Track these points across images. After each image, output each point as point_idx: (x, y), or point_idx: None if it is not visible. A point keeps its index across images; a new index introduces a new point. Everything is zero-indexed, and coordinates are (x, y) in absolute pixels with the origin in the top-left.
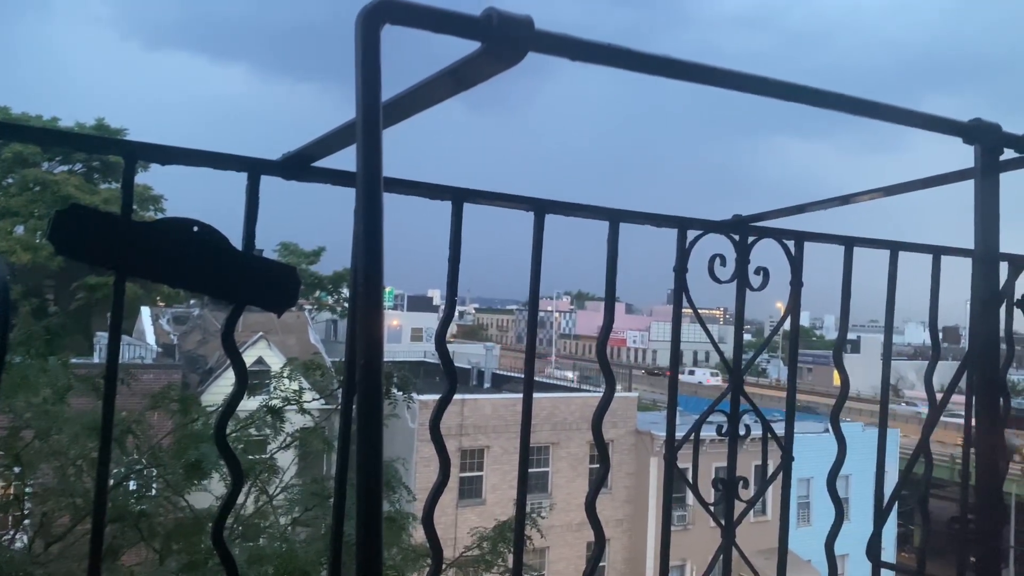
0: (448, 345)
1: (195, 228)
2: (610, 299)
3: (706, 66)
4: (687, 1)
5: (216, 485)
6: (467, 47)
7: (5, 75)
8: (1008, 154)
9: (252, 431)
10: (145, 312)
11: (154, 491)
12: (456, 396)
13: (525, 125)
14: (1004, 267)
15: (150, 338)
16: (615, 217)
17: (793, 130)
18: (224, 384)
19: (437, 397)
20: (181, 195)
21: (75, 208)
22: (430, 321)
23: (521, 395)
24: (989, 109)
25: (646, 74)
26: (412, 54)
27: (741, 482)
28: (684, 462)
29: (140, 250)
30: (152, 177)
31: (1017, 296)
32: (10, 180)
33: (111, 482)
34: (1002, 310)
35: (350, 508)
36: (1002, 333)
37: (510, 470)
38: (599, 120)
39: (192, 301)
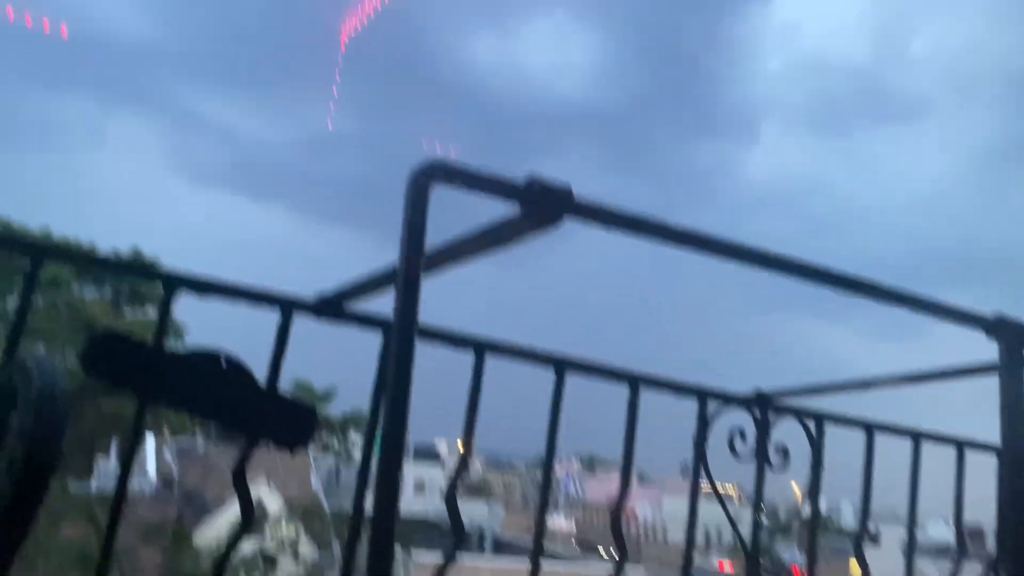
0: (452, 501)
1: (223, 361)
2: (627, 465)
3: (736, 244)
4: (711, 181)
5: None
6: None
7: (56, 201)
8: None
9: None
10: (149, 441)
11: None
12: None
13: (538, 278)
14: None
15: (151, 467)
16: (636, 382)
17: (809, 310)
18: (220, 524)
19: (437, 560)
20: (201, 318)
21: (109, 334)
22: (435, 474)
23: (522, 563)
24: (1012, 304)
25: (679, 247)
26: (447, 202)
27: None
28: None
29: (168, 379)
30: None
31: None
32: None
33: None
34: None
35: None
36: None
37: None
38: (616, 279)
39: (197, 433)
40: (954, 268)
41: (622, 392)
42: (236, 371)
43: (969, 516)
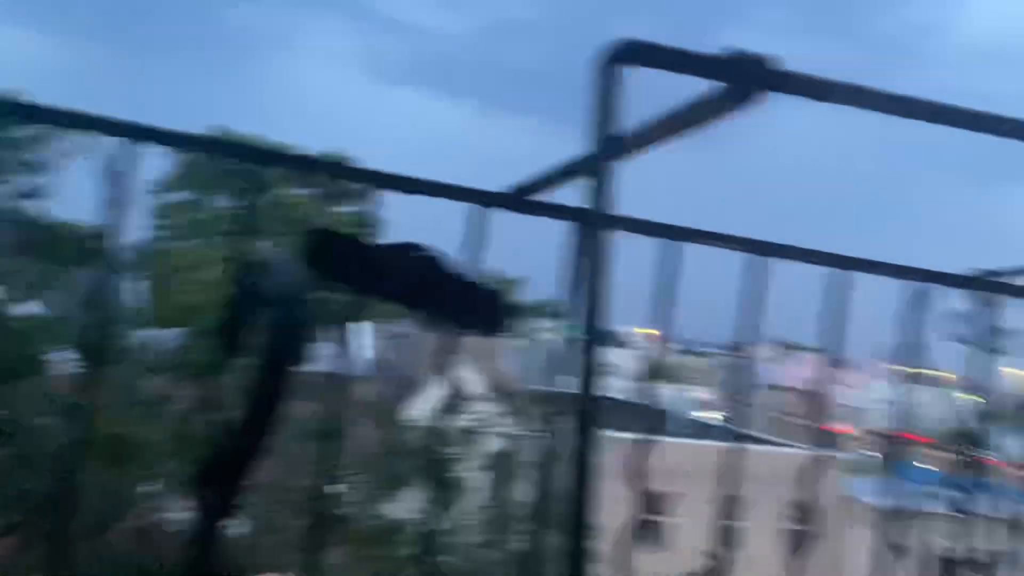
0: (645, 385)
1: (421, 252)
2: (833, 347)
3: (951, 107)
4: (911, 38)
5: (411, 497)
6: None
7: (256, 108)
8: None
9: (450, 450)
10: (367, 327)
11: (357, 497)
12: (650, 437)
13: (738, 163)
14: None
15: (368, 352)
16: (842, 264)
17: None
18: (426, 401)
19: (628, 436)
20: (397, 212)
21: (327, 232)
22: (622, 358)
23: (718, 443)
24: None
25: (890, 114)
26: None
27: (981, 568)
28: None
29: (379, 272)
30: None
31: None
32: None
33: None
34: None
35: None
36: None
37: (697, 519)
38: (820, 160)
39: (407, 319)
40: None
41: (823, 275)
42: (434, 261)
43: None
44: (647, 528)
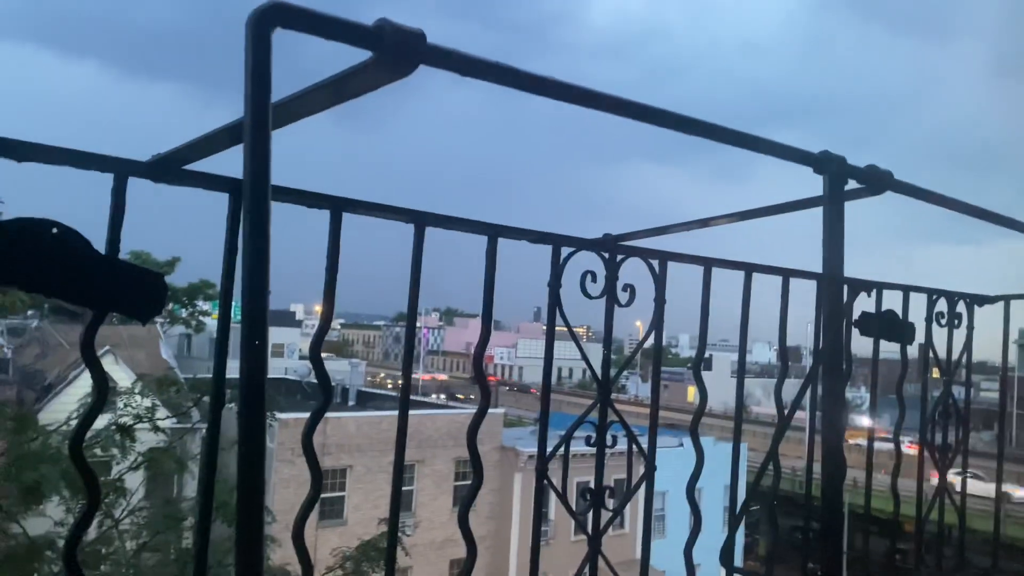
0: (315, 362)
1: (54, 230)
2: (487, 311)
3: (587, 89)
4: (552, 29)
5: (54, 509)
6: (355, 56)
7: None
8: (851, 185)
9: (98, 451)
10: None
11: None
12: (322, 414)
13: (389, 140)
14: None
15: None
16: (494, 232)
17: (649, 157)
18: (66, 401)
19: (300, 415)
20: (14, 195)
21: None
22: (292, 336)
23: (386, 412)
24: (832, 145)
25: (531, 93)
26: (289, 59)
27: (607, 491)
28: (552, 477)
29: (1, 254)
30: None
31: (854, 318)
32: None
33: None
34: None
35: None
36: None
37: (373, 490)
38: (464, 137)
39: (30, 312)
40: (779, 111)
41: (476, 246)
42: (71, 240)
43: (790, 341)
44: (325, 505)
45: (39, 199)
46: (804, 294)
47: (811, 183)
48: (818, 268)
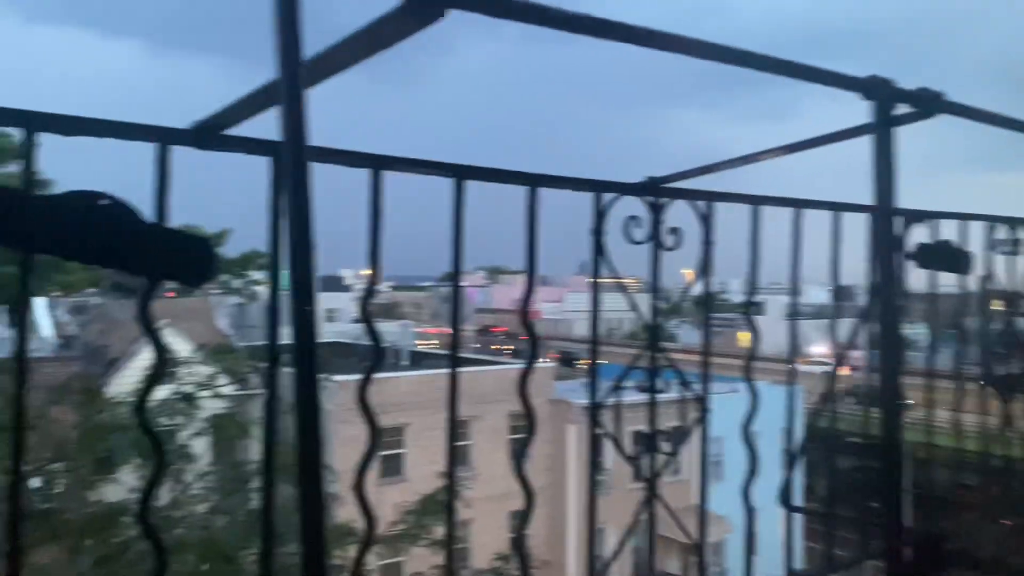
0: (366, 324)
1: (103, 201)
2: (531, 264)
3: (623, 24)
4: None
5: (128, 476)
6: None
7: None
8: (900, 109)
9: (164, 420)
10: (39, 303)
11: (61, 487)
12: (374, 376)
13: (428, 99)
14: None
15: (46, 330)
16: (534, 182)
17: (692, 101)
18: (130, 375)
19: (355, 377)
20: (65, 172)
21: None
22: (342, 302)
23: (439, 371)
24: (880, 72)
25: (564, 30)
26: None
27: (661, 436)
28: (605, 426)
29: (45, 226)
30: (41, 161)
31: (909, 250)
32: None
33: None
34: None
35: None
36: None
37: (430, 446)
38: (504, 94)
39: (92, 289)
40: (823, 42)
41: (520, 202)
42: (119, 210)
43: (843, 281)
44: (385, 462)
45: (86, 178)
46: (859, 230)
47: (861, 117)
48: (871, 202)
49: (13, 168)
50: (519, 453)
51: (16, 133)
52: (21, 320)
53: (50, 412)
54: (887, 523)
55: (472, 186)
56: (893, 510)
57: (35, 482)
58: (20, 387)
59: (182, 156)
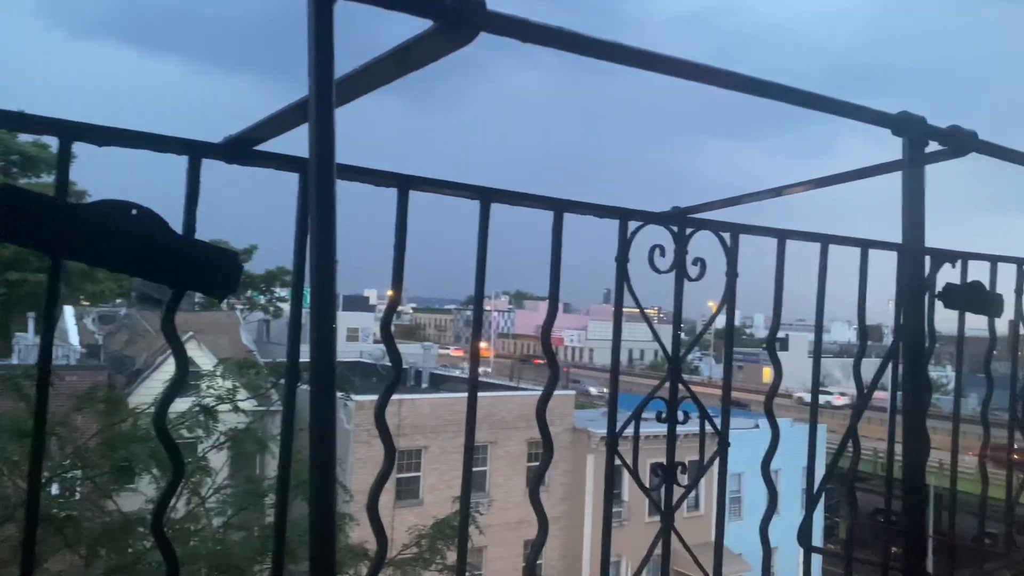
0: (388, 345)
1: (133, 211)
2: (554, 288)
3: (653, 53)
4: (620, 5)
5: (146, 487)
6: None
7: None
8: (932, 147)
9: (184, 432)
10: (68, 311)
11: (78, 494)
12: (393, 396)
13: (461, 126)
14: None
15: (73, 338)
16: (560, 207)
17: (726, 134)
18: (153, 386)
19: (375, 397)
20: (99, 183)
21: (9, 188)
22: (366, 321)
23: (459, 395)
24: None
25: (596, 58)
26: (359, 43)
27: (679, 468)
28: (623, 456)
29: (77, 232)
30: (75, 172)
31: (937, 291)
32: None
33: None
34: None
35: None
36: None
37: (448, 470)
38: (535, 121)
39: (119, 300)
40: (859, 79)
41: (546, 227)
42: (148, 220)
43: (871, 319)
44: (401, 485)
45: (118, 191)
46: (886, 269)
47: (894, 155)
48: (899, 240)
49: (48, 179)
50: (535, 480)
51: (52, 142)
52: (47, 326)
53: (72, 420)
54: (908, 569)
55: (499, 210)
56: (915, 556)
57: (53, 489)
58: (42, 394)
59: (217, 172)
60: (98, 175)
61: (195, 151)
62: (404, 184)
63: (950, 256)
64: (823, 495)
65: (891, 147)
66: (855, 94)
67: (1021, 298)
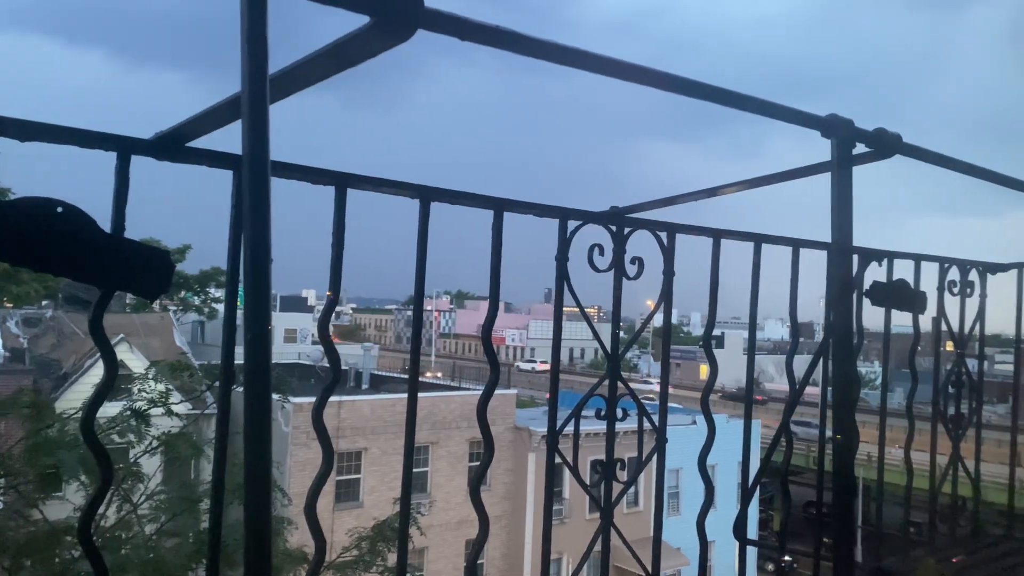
0: (326, 346)
1: (59, 208)
2: (495, 287)
3: (589, 52)
4: (558, 6)
5: (74, 495)
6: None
7: None
8: (860, 149)
9: (115, 437)
10: None
11: (1, 504)
12: (333, 398)
13: (399, 125)
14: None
15: None
16: (499, 206)
17: (664, 135)
18: (81, 390)
19: (313, 399)
20: (21, 183)
21: None
22: (305, 322)
23: (399, 396)
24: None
25: (533, 57)
26: (296, 40)
27: (619, 464)
28: (565, 454)
29: (8, 233)
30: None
31: (865, 288)
32: None
33: None
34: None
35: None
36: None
37: (388, 472)
38: (474, 121)
39: (45, 302)
40: (790, 83)
41: (486, 228)
42: (75, 218)
43: (802, 316)
44: (341, 487)
45: (45, 188)
46: (817, 269)
47: (824, 157)
48: (828, 239)
49: None
50: (475, 479)
51: None
52: None
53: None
54: (838, 558)
55: (439, 210)
56: (845, 545)
57: None
58: None
59: (149, 169)
60: (22, 173)
61: (124, 147)
62: (342, 182)
63: (877, 255)
64: (758, 488)
65: (819, 148)
66: (787, 97)
67: (943, 295)
